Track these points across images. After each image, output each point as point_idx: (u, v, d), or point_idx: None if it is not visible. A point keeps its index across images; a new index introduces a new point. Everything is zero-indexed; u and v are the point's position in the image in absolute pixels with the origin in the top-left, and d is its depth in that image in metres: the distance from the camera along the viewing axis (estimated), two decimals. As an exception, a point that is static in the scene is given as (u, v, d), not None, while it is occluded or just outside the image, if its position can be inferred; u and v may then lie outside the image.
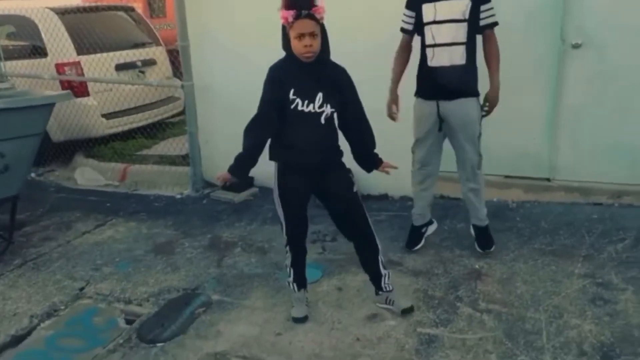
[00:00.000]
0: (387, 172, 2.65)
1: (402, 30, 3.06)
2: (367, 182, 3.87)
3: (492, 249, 3.19)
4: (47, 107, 3.41)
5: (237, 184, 4.45)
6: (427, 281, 2.97)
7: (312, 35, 2.26)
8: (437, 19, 2.84)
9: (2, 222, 3.70)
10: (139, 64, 5.95)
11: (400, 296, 2.72)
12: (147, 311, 2.86)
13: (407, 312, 2.64)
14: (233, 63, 4.32)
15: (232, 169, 2.46)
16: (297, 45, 2.29)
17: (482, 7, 2.83)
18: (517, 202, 3.95)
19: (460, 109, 2.93)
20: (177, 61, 5.51)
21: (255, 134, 2.41)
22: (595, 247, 3.22)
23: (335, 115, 2.43)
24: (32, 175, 5.17)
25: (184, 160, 5.00)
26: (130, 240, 3.78)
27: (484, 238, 3.22)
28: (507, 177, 4.06)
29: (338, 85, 2.42)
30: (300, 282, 2.72)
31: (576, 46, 3.67)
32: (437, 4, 2.83)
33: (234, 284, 3.07)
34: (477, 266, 3.09)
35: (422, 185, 3.24)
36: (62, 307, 2.96)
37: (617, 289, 2.76)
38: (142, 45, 6.22)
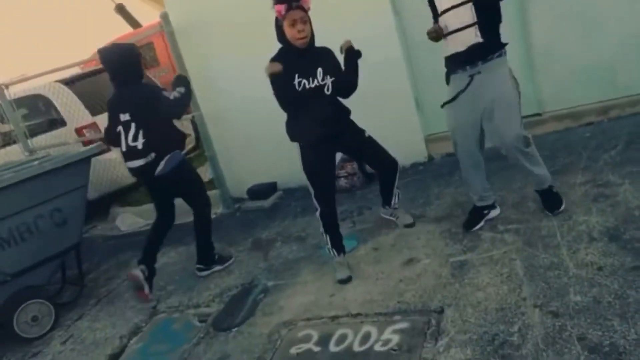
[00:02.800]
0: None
1: None
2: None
3: (561, 209, 3.00)
4: (86, 160, 3.86)
5: (262, 191, 4.89)
6: (449, 223, 3.33)
7: (303, 21, 2.76)
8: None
9: (70, 276, 4.13)
10: (148, 111, 6.41)
11: (403, 214, 3.30)
12: (216, 309, 3.26)
13: (409, 226, 3.28)
14: (233, 87, 4.75)
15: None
16: (291, 32, 2.77)
17: None
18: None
19: None
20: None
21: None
22: (592, 158, 3.55)
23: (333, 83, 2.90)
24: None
25: (210, 185, 5.41)
26: (183, 260, 4.19)
27: (547, 200, 3.06)
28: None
29: (328, 60, 2.91)
30: (338, 246, 3.11)
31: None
32: None
33: (283, 269, 3.46)
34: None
35: None
36: (143, 325, 3.37)
37: (615, 185, 3.09)
38: (146, 94, 6.69)
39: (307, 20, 2.79)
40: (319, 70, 2.85)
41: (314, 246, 3.65)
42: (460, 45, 2.81)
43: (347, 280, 3.02)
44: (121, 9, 10.77)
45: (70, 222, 3.74)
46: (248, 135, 4.89)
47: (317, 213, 3.10)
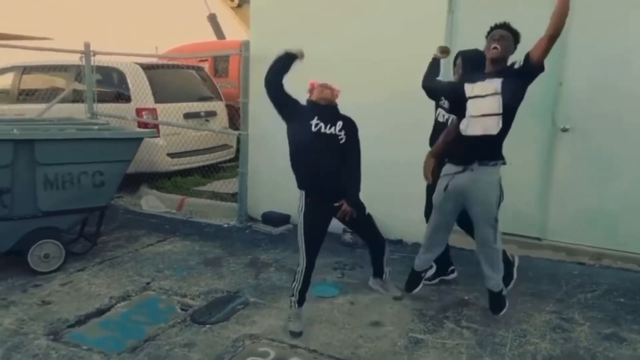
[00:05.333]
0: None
1: None
2: (384, 228, 4.65)
3: (503, 312, 3.40)
4: (138, 140, 4.38)
5: (275, 219, 5.31)
6: (423, 304, 3.66)
7: (330, 89, 3.26)
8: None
9: (86, 232, 4.60)
10: (203, 114, 7.03)
11: (393, 287, 3.62)
12: (198, 304, 3.64)
13: (397, 299, 3.58)
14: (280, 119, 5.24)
15: None
16: (319, 94, 3.24)
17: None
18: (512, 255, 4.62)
19: None
20: (232, 114, 6.52)
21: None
22: (569, 294, 3.86)
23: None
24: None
25: (232, 197, 5.89)
26: (185, 253, 4.61)
27: (495, 302, 3.44)
28: (504, 233, 4.74)
29: (350, 127, 3.26)
30: (302, 299, 3.32)
31: (565, 130, 4.45)
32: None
33: (267, 292, 3.83)
34: (466, 297, 3.77)
35: None
36: (133, 294, 3.77)
37: (576, 323, 3.39)
38: (207, 99, 7.35)
39: (334, 89, 3.28)
40: (339, 122, 3.20)
41: (300, 282, 4.02)
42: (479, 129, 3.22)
43: (298, 335, 3.17)
44: (212, 19, 11.64)
45: (106, 186, 4.23)
46: (279, 166, 5.32)
47: (299, 268, 3.24)
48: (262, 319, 3.41)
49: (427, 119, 4.04)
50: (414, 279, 3.76)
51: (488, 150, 3.27)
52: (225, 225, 5.47)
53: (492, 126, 3.19)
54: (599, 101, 4.35)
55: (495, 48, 3.20)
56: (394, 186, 4.74)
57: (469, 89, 3.26)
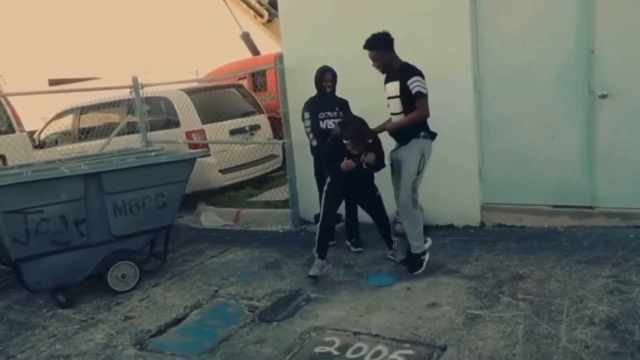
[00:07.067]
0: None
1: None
2: (434, 213, 4.79)
3: (419, 271, 4.00)
4: (192, 161, 4.72)
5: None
6: (477, 282, 3.77)
7: (359, 150, 3.87)
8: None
9: (155, 251, 4.96)
10: (247, 128, 7.37)
11: (400, 253, 4.27)
12: (264, 304, 3.90)
13: (404, 262, 4.12)
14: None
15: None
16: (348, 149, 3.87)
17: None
18: (565, 227, 4.63)
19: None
20: (275, 125, 6.79)
21: None
22: (625, 257, 3.85)
23: None
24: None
25: (284, 204, 6.15)
26: (247, 260, 4.90)
27: (409, 261, 4.12)
28: (555, 206, 4.76)
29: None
30: (322, 253, 4.23)
31: (603, 96, 4.42)
32: None
33: (327, 287, 4.04)
34: (520, 272, 3.84)
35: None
36: (204, 302, 4.07)
37: (634, 284, 3.40)
38: (249, 114, 7.69)
39: (362, 149, 3.95)
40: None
41: (358, 275, 4.21)
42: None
43: (314, 278, 4.11)
44: (246, 37, 12.05)
45: (168, 206, 4.57)
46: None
47: (319, 224, 4.22)
48: (324, 312, 3.62)
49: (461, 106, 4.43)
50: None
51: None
52: (281, 231, 5.74)
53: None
54: (634, 65, 4.31)
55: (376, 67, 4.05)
56: (440, 172, 4.83)
57: None
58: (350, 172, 3.96)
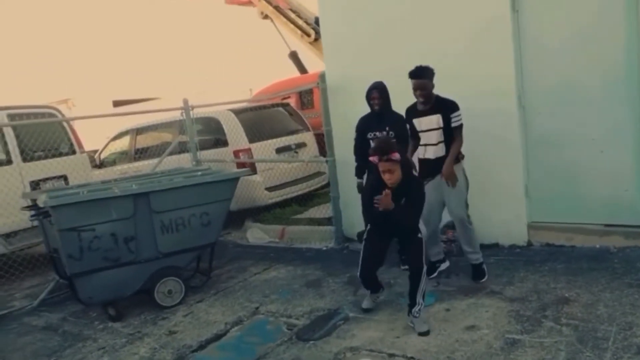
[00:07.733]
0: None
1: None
2: (479, 232, 4.68)
3: (484, 279, 4.14)
4: (235, 180, 4.86)
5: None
6: (520, 304, 3.64)
7: (390, 171, 3.48)
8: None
9: (201, 268, 5.12)
10: (293, 146, 7.49)
11: (420, 322, 3.50)
12: (302, 322, 3.93)
13: (423, 334, 3.43)
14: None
15: None
16: (383, 176, 3.53)
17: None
18: (618, 247, 4.40)
19: None
20: (321, 142, 6.86)
21: None
22: (682, 281, 3.62)
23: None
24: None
25: (328, 221, 6.19)
26: (289, 278, 4.96)
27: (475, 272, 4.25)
28: (606, 225, 4.54)
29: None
30: (371, 290, 3.96)
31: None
32: None
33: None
34: (566, 295, 3.69)
35: None
36: (245, 319, 4.16)
37: (689, 311, 3.19)
38: (295, 132, 7.82)
39: (394, 170, 3.48)
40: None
41: (398, 294, 4.17)
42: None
43: (365, 310, 3.90)
44: (294, 56, 12.30)
45: (213, 224, 4.72)
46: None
47: (358, 274, 3.85)
48: (361, 332, 3.61)
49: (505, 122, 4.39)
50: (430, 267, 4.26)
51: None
52: (324, 248, 5.78)
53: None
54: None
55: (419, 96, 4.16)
56: (486, 190, 4.73)
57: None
58: (387, 213, 3.51)
